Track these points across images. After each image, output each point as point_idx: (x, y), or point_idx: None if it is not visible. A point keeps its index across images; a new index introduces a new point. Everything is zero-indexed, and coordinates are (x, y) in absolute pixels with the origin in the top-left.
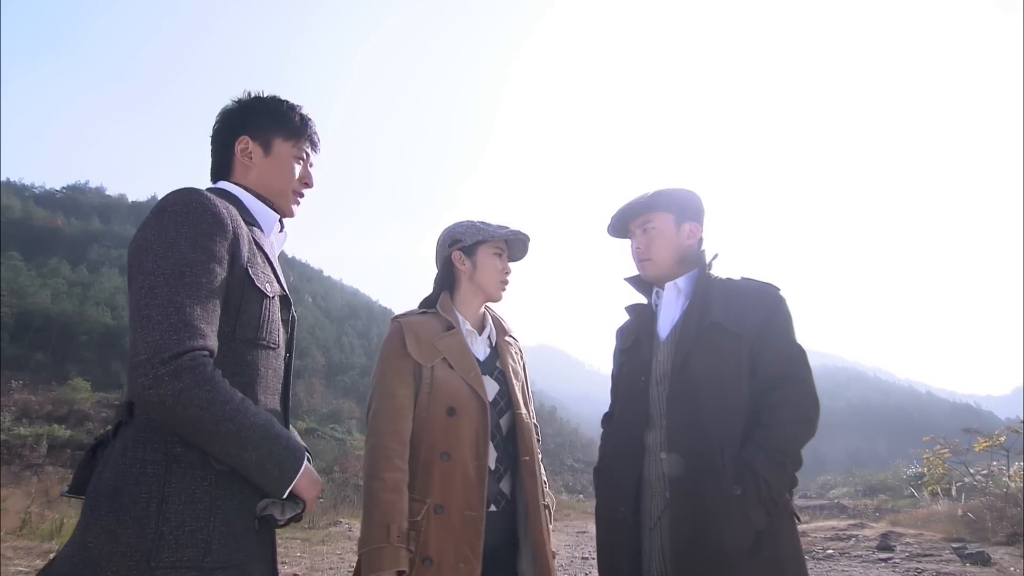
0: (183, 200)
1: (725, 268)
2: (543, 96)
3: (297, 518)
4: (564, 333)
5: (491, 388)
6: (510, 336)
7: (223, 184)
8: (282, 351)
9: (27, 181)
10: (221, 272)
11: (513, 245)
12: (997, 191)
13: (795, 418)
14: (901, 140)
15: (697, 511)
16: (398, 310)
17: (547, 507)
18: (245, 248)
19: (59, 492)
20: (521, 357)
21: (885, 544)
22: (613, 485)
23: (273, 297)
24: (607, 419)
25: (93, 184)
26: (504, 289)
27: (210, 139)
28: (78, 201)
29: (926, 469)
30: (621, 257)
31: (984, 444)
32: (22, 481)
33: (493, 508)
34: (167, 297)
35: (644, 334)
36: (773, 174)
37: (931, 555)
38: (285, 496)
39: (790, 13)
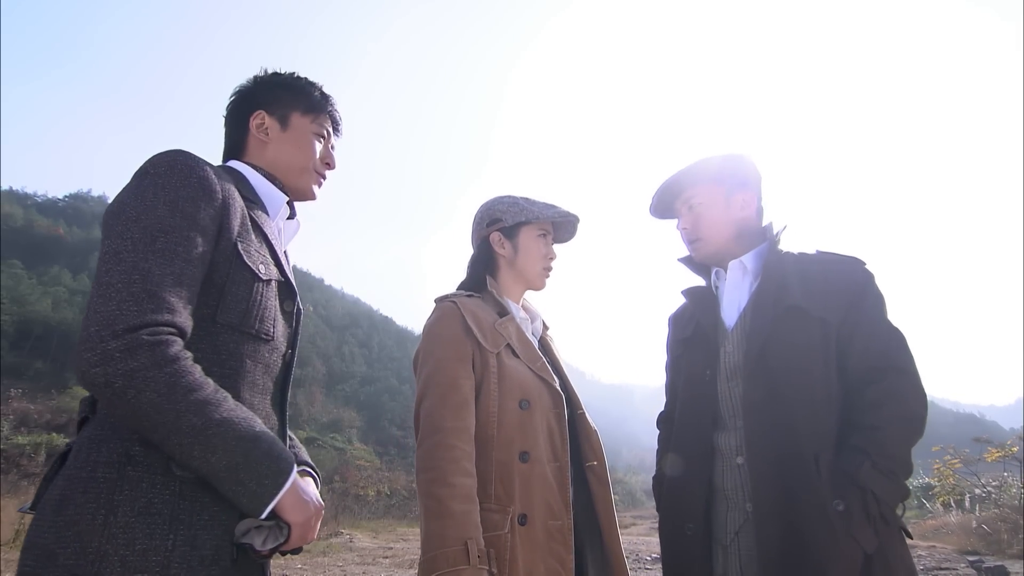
0: (167, 161)
1: (795, 241)
2: (545, 104)
3: (296, 551)
4: (565, 342)
5: (555, 382)
6: (551, 333)
7: (231, 163)
8: (280, 345)
9: (29, 190)
10: (203, 243)
11: (560, 226)
12: (1000, 199)
13: (902, 416)
14: (903, 145)
15: (790, 528)
16: (399, 319)
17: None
18: (236, 221)
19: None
20: (560, 355)
21: None
22: (679, 496)
23: (269, 281)
24: (663, 419)
25: (95, 193)
26: (547, 277)
27: (224, 119)
28: (80, 210)
29: (936, 480)
30: (625, 261)
31: (996, 454)
32: (19, 491)
33: None
34: (133, 263)
35: (706, 321)
36: (773, 178)
37: (947, 568)
38: (264, 515)
39: (790, 18)
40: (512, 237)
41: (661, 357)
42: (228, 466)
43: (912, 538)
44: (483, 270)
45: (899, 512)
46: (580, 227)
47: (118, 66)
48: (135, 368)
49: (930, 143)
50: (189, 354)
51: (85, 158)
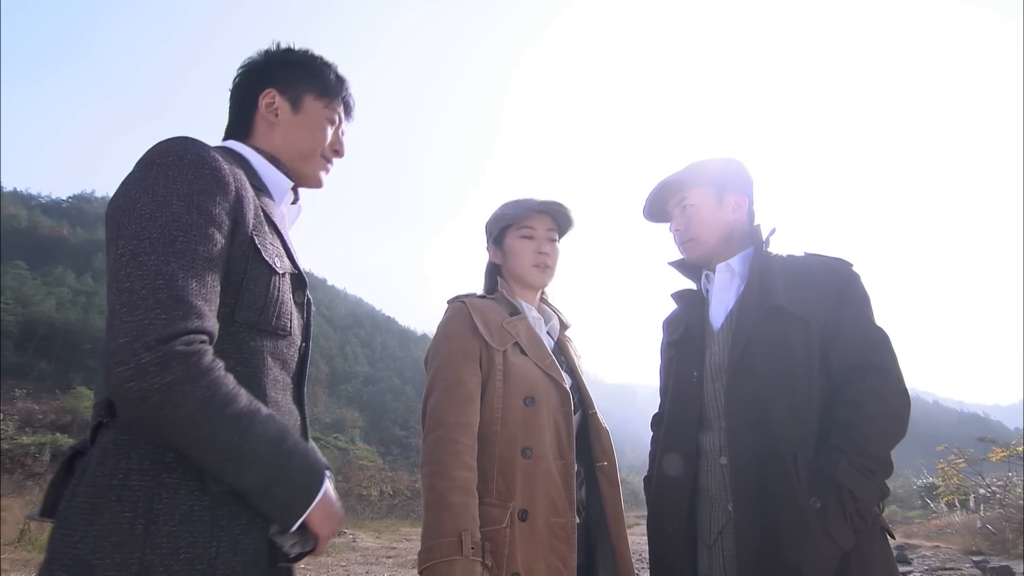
0: (175, 151)
1: (786, 244)
2: (549, 103)
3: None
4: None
5: (565, 380)
6: (569, 333)
7: (230, 143)
8: (296, 339)
9: (33, 191)
10: (221, 239)
11: (558, 218)
12: (1002, 198)
13: (882, 415)
14: (906, 145)
15: (768, 528)
16: (402, 319)
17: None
18: (251, 213)
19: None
20: (580, 356)
21: (902, 557)
22: (663, 495)
23: (283, 274)
24: (656, 421)
25: (99, 194)
26: (543, 272)
27: (229, 95)
28: (83, 210)
29: (940, 480)
30: (628, 261)
31: (1001, 454)
32: (24, 491)
33: (575, 520)
34: (154, 267)
35: (694, 323)
36: (775, 178)
37: (951, 569)
38: (294, 528)
39: (790, 18)
40: (500, 245)
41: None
42: (262, 482)
43: (895, 538)
44: (493, 274)
45: (879, 511)
46: (583, 222)
47: (122, 67)
48: (171, 382)
49: (932, 143)
50: (221, 363)
51: (89, 159)
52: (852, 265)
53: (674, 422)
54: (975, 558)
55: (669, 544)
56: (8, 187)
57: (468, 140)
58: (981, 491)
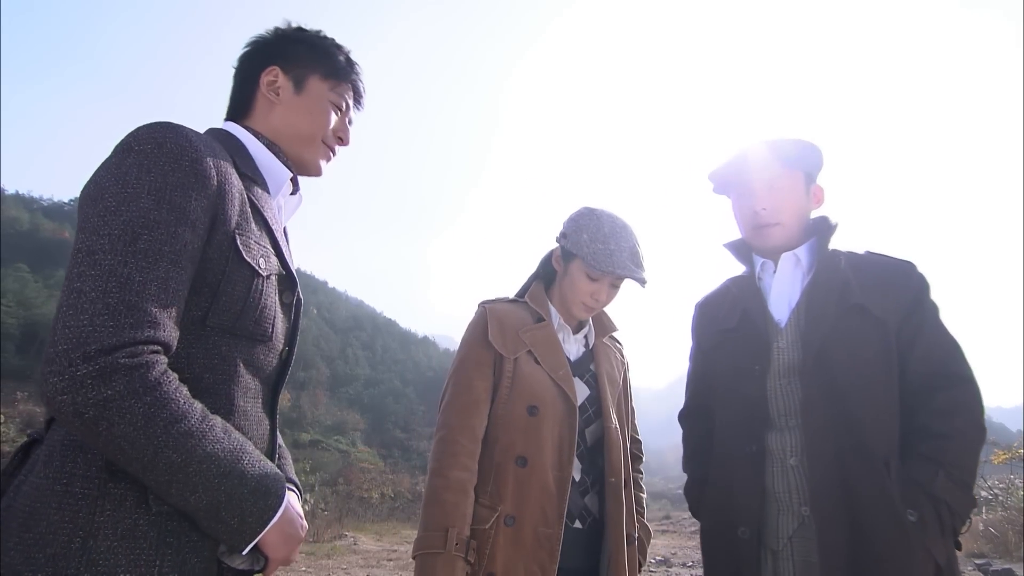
0: (154, 138)
1: (839, 240)
2: (548, 104)
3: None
4: None
5: (580, 392)
6: (613, 337)
7: (228, 125)
8: (277, 344)
9: (35, 193)
10: (193, 239)
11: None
12: (1003, 198)
13: (972, 426)
14: (905, 143)
15: (857, 535)
16: (403, 321)
17: (636, 537)
18: (235, 209)
19: None
20: (623, 361)
21: None
22: (728, 498)
23: (268, 276)
24: (687, 415)
25: None
26: (587, 312)
27: (233, 72)
28: None
29: None
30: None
31: (1003, 456)
32: None
33: (578, 525)
34: (109, 267)
35: (756, 313)
36: None
37: None
38: (245, 552)
39: (790, 17)
40: (567, 260)
41: (666, 359)
42: (209, 505)
43: (961, 550)
44: (536, 276)
45: (968, 524)
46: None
47: (124, 67)
48: (109, 397)
49: (931, 142)
50: (174, 376)
51: (91, 161)
52: (917, 268)
53: (734, 420)
54: (977, 561)
55: (740, 551)
56: (10, 189)
57: (468, 141)
58: (983, 494)
